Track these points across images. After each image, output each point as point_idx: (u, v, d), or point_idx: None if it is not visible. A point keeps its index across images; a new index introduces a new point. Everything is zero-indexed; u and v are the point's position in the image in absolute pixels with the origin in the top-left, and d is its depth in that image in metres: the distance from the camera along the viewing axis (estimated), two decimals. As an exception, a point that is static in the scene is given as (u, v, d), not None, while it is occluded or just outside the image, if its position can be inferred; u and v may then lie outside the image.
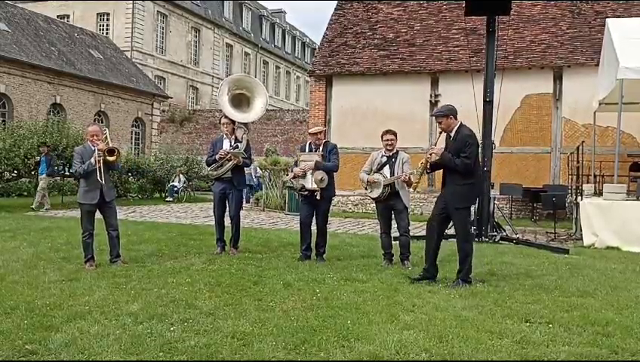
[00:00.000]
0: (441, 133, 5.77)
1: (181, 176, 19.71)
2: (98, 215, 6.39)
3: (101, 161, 6.10)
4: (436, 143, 5.67)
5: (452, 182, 5.65)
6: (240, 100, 7.67)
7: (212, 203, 7.75)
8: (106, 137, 6.42)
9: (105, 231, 6.50)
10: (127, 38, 32.48)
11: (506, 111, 13.73)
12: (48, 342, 3.62)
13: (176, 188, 19.26)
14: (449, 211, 5.68)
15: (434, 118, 5.69)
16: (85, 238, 6.24)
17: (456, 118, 5.70)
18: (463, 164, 5.48)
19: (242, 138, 7.42)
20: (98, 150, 6.11)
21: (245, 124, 7.68)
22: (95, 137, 6.27)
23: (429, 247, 5.79)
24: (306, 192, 6.89)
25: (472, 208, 7.01)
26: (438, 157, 5.65)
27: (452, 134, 5.66)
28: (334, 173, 7.07)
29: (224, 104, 7.55)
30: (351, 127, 15.70)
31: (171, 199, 18.84)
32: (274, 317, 4.28)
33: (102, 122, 25.72)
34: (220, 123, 7.65)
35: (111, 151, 6.20)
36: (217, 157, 7.26)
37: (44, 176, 14.01)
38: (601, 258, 7.69)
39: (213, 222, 7.80)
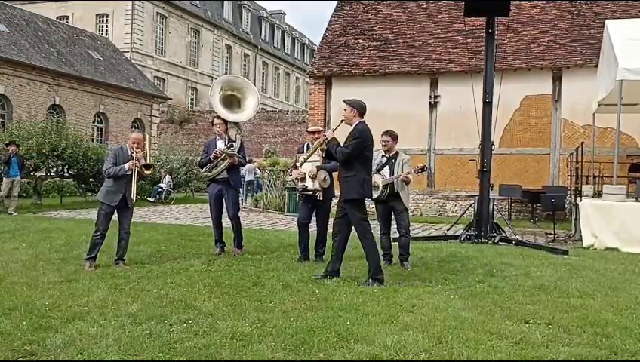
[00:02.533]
0: (342, 121, 5.85)
1: (167, 176, 19.34)
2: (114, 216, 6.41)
3: (136, 170, 6.15)
4: (334, 130, 5.83)
5: (340, 175, 5.81)
6: (231, 102, 7.65)
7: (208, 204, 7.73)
8: (144, 146, 6.46)
9: (112, 233, 6.49)
10: (126, 39, 32.52)
11: (505, 112, 13.73)
12: (47, 343, 3.61)
13: (160, 190, 18.82)
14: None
15: (345, 102, 5.83)
16: (96, 238, 6.25)
17: (361, 116, 5.79)
18: (341, 152, 5.61)
19: (236, 138, 7.42)
20: (136, 158, 6.16)
21: (237, 124, 7.69)
22: (137, 144, 6.29)
23: (336, 243, 5.84)
24: (310, 192, 6.89)
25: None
26: (327, 140, 5.77)
27: (351, 128, 5.75)
28: (334, 174, 7.06)
29: (216, 104, 7.54)
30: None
31: (153, 200, 18.41)
32: (273, 317, 4.27)
33: (101, 123, 25.74)
34: (212, 124, 7.64)
35: (148, 166, 6.28)
36: (212, 156, 7.26)
37: (18, 179, 13.21)
38: (601, 259, 7.69)
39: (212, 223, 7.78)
